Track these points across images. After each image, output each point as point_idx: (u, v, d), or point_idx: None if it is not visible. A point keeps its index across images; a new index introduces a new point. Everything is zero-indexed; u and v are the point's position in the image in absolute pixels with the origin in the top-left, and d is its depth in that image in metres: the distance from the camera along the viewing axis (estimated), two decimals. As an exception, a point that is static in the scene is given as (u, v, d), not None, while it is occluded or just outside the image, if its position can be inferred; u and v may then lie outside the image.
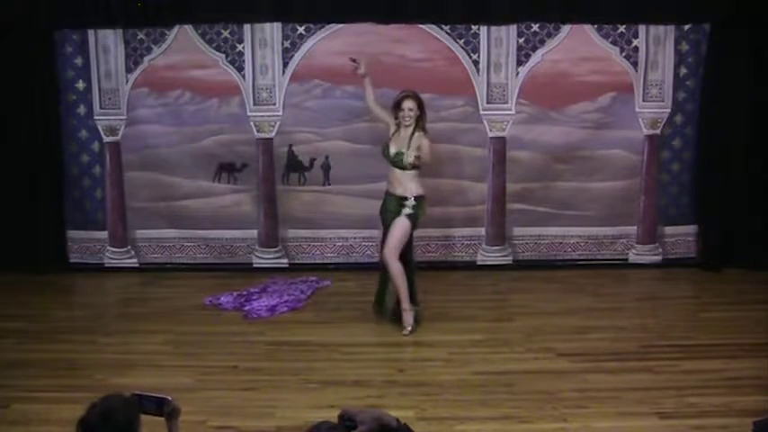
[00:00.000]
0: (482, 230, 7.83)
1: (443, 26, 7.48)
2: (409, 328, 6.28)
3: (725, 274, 7.64)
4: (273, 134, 7.65)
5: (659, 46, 7.51)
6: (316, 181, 7.72)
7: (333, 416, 2.98)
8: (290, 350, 6.04)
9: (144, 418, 3.06)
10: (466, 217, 7.80)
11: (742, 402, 5.06)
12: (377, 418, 2.88)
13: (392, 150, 6.23)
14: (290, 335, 6.34)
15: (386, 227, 6.36)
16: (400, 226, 6.23)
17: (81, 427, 2.86)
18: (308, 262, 7.86)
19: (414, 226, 6.30)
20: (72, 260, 7.85)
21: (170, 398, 3.15)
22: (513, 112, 7.61)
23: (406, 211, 6.22)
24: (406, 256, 6.33)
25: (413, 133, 6.20)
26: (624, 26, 7.48)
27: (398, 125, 6.28)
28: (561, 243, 7.86)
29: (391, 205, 6.30)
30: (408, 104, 6.20)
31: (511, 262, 7.86)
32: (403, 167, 6.19)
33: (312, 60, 7.52)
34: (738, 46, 7.38)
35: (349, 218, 7.77)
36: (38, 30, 7.38)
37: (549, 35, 7.51)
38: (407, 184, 6.23)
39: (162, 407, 3.13)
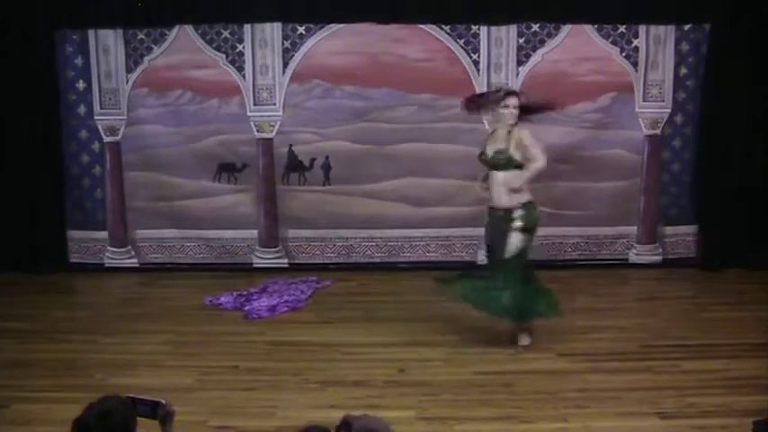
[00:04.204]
0: (482, 230, 7.81)
1: (443, 26, 7.48)
2: (526, 343, 5.98)
3: (725, 274, 7.64)
4: (274, 134, 7.65)
5: (659, 46, 7.51)
6: (316, 181, 7.72)
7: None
8: (291, 350, 6.04)
9: (141, 419, 3.06)
10: (466, 217, 7.79)
11: (742, 402, 5.05)
12: (370, 430, 2.81)
13: (489, 151, 5.78)
14: (290, 335, 6.34)
15: (492, 243, 5.94)
16: (511, 245, 5.75)
17: (76, 426, 2.85)
18: (309, 262, 7.86)
19: (529, 237, 5.82)
20: (72, 260, 7.85)
21: (164, 401, 3.15)
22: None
23: (516, 224, 5.74)
24: (525, 272, 5.87)
25: (510, 131, 5.75)
26: (624, 26, 7.49)
27: (496, 126, 5.90)
28: (561, 243, 7.86)
29: (497, 221, 5.82)
30: (514, 101, 5.75)
31: (511, 262, 7.85)
32: (504, 167, 5.70)
33: (312, 60, 7.53)
34: (738, 46, 7.39)
35: (349, 218, 7.77)
36: (38, 30, 7.38)
37: (550, 35, 7.51)
38: (511, 192, 5.72)
39: (156, 410, 3.12)
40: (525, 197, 5.78)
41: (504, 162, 5.74)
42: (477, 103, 6.12)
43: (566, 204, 7.78)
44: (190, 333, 6.34)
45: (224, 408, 5.10)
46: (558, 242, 7.85)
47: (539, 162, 5.68)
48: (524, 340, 6.00)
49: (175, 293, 7.27)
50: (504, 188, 5.75)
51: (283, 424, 4.86)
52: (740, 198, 7.61)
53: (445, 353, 5.94)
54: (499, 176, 5.77)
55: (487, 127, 6.03)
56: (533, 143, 5.71)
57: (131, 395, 3.10)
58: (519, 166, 5.72)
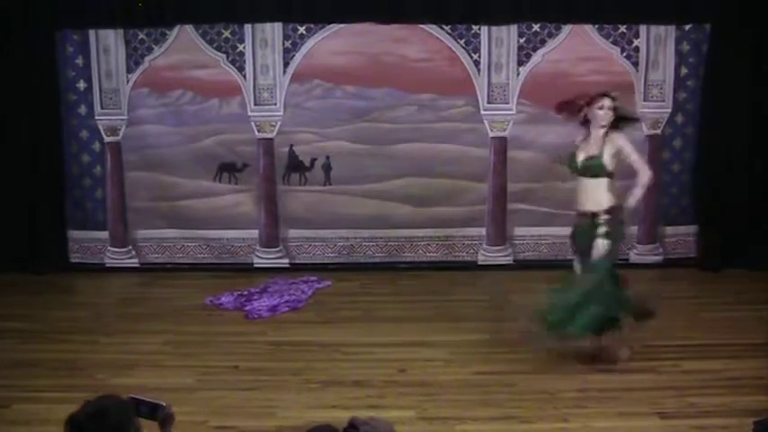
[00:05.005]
0: (483, 230, 7.83)
1: (444, 26, 7.48)
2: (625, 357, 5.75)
3: (725, 274, 7.63)
4: (274, 134, 7.65)
5: (660, 46, 7.51)
6: (316, 181, 7.72)
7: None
8: (291, 350, 6.04)
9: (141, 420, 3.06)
10: (466, 217, 7.80)
11: (742, 402, 5.06)
12: None
13: (580, 157, 5.57)
14: (290, 335, 6.34)
15: (580, 252, 5.76)
16: (597, 251, 5.57)
17: (69, 423, 2.83)
18: (309, 262, 7.86)
19: (615, 243, 5.65)
20: (72, 260, 7.85)
21: (165, 404, 3.14)
22: (513, 112, 7.62)
23: (601, 230, 5.54)
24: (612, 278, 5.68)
25: (606, 134, 5.57)
26: (625, 26, 7.49)
27: (589, 130, 5.66)
28: (562, 243, 7.80)
29: (584, 227, 5.65)
30: (607, 103, 5.58)
31: (512, 262, 7.86)
32: (595, 174, 5.52)
33: (313, 60, 7.53)
34: (738, 46, 7.38)
35: (350, 218, 7.77)
36: (38, 30, 7.38)
37: (550, 35, 7.51)
38: (599, 196, 5.55)
39: (156, 412, 3.12)
40: (612, 202, 5.59)
41: (596, 169, 5.55)
42: (571, 106, 5.84)
43: (566, 204, 7.72)
44: (190, 333, 6.34)
45: (224, 408, 5.11)
46: (558, 242, 7.81)
47: (645, 175, 5.58)
48: (624, 354, 5.75)
49: (176, 293, 7.27)
50: (589, 195, 5.60)
51: (283, 424, 4.86)
52: (740, 198, 7.60)
53: (445, 353, 5.93)
54: (589, 183, 5.59)
55: (579, 138, 5.73)
56: (633, 152, 5.60)
57: (133, 396, 3.10)
58: (609, 175, 5.56)
